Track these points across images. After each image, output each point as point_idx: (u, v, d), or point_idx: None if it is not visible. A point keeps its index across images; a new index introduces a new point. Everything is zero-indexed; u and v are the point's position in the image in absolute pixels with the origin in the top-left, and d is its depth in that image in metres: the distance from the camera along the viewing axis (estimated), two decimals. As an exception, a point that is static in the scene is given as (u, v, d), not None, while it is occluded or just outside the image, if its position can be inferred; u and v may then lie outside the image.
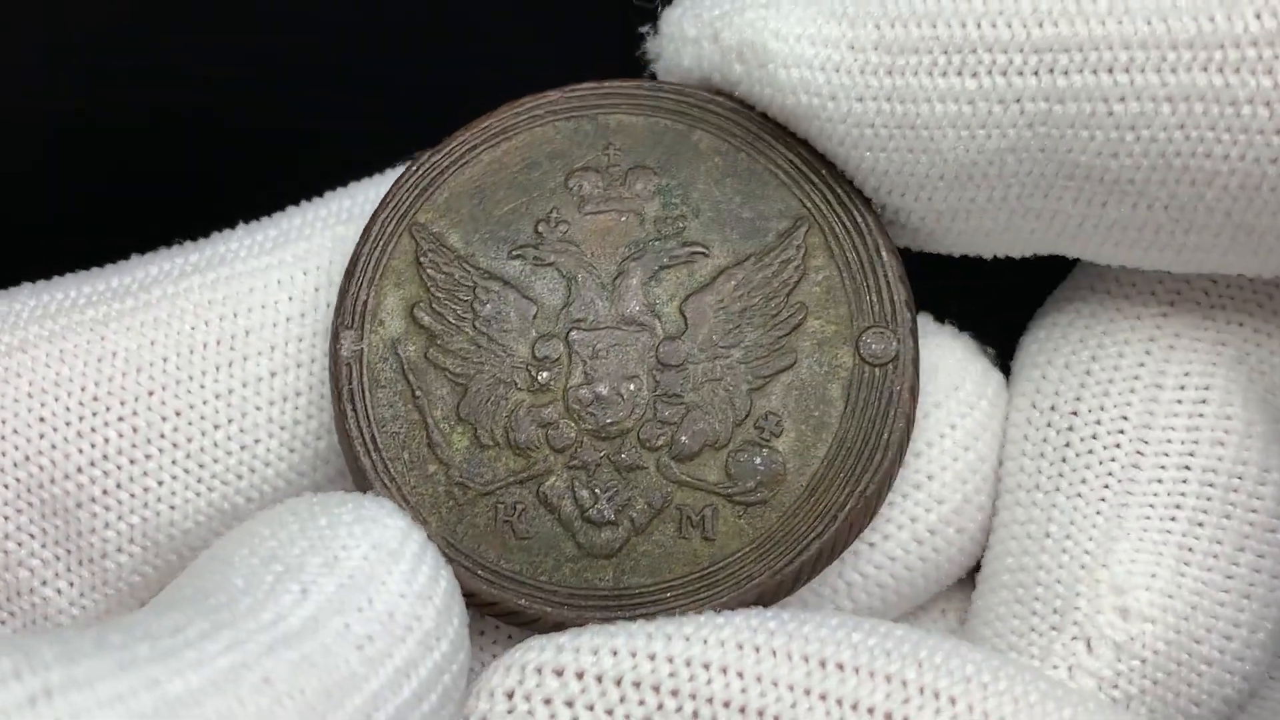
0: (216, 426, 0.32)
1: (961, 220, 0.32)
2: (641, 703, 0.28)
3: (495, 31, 0.39)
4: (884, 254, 0.32)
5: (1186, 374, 0.33)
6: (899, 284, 0.32)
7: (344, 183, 0.35)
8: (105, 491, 0.32)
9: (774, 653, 0.28)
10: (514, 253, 0.32)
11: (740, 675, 0.28)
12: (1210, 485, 0.32)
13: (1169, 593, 0.31)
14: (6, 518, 0.31)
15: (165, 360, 0.32)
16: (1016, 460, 0.34)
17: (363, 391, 0.32)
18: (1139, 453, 0.32)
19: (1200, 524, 0.32)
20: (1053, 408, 0.34)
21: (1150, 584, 0.31)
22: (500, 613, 0.31)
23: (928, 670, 0.28)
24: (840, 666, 0.28)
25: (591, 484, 0.31)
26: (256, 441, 0.32)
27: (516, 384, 0.32)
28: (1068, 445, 0.33)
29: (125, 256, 0.35)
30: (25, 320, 0.33)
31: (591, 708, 0.28)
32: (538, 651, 0.29)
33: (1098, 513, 0.32)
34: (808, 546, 0.31)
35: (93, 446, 0.32)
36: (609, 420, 0.31)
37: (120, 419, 0.32)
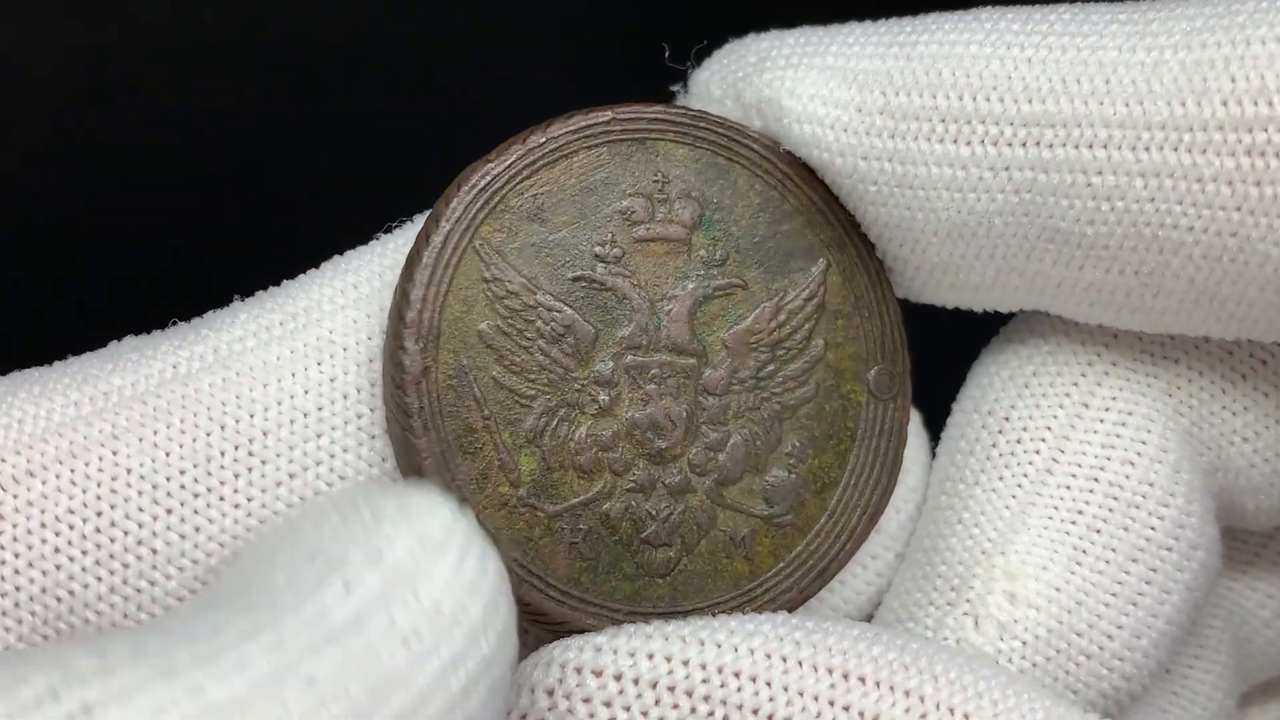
0: (235, 538, 0.31)
1: (952, 274, 0.34)
2: (675, 706, 0.29)
3: (521, 90, 0.40)
4: (888, 299, 0.35)
5: (1113, 398, 0.35)
6: (900, 328, 0.35)
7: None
8: (126, 616, 0.31)
9: (800, 663, 0.30)
10: (574, 277, 0.33)
11: (769, 685, 0.29)
12: (1114, 499, 0.34)
13: (1056, 586, 0.34)
14: None
15: (183, 474, 0.31)
16: (950, 455, 0.36)
17: (433, 412, 0.31)
18: (1054, 460, 0.35)
19: (1098, 530, 0.34)
20: (989, 412, 0.36)
21: (1040, 575, 0.34)
22: (568, 630, 0.32)
23: (944, 686, 0.30)
24: (862, 680, 0.30)
25: (647, 506, 0.33)
26: None
27: (580, 406, 0.33)
28: (994, 446, 0.35)
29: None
30: (30, 436, 0.31)
31: (628, 709, 0.29)
32: (576, 651, 0.30)
33: (1006, 507, 0.35)
34: (828, 567, 0.33)
35: (111, 574, 0.30)
36: (662, 445, 0.33)
37: (139, 543, 0.31)
